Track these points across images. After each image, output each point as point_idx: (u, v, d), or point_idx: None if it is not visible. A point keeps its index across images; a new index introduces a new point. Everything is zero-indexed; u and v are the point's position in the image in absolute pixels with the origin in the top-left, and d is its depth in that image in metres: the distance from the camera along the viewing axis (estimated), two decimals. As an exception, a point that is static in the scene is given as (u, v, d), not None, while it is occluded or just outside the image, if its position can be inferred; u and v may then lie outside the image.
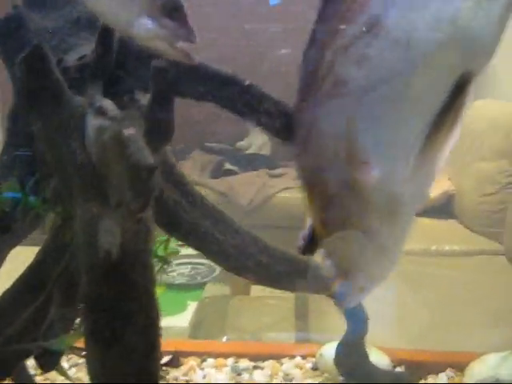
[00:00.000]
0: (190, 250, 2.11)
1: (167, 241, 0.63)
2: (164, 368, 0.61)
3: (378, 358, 0.84)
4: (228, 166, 3.00)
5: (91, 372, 0.52)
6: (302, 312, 2.01)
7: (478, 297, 1.66)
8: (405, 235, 0.40)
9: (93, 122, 0.49)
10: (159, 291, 0.51)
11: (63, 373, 0.60)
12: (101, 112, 0.50)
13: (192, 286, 1.98)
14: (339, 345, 0.81)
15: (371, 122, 0.35)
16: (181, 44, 0.46)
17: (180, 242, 0.68)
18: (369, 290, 0.42)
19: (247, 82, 0.51)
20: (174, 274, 1.96)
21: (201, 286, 2.01)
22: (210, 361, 0.88)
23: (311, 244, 0.42)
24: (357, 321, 0.79)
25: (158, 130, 0.53)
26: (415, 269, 1.77)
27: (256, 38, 3.09)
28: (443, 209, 2.40)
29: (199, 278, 2.04)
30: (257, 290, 2.58)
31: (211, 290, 2.06)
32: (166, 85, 0.53)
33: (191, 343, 0.98)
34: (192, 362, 0.87)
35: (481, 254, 2.05)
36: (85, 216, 0.50)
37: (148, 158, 0.41)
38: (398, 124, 0.35)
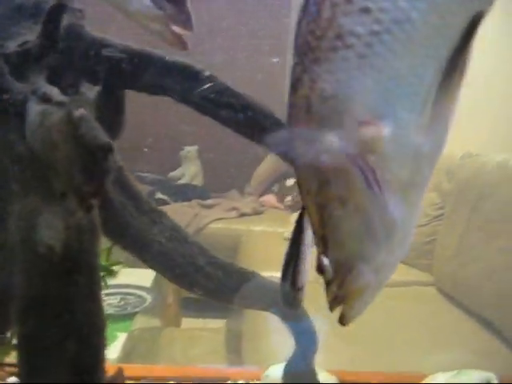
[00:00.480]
0: (119, 280, 2.03)
1: (110, 249, 0.58)
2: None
3: (326, 379, 0.81)
4: (159, 195, 2.94)
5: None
6: (234, 344, 1.97)
7: (412, 324, 1.67)
8: (418, 209, 0.36)
9: (36, 108, 0.45)
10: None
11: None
12: (45, 98, 0.46)
13: (121, 317, 1.90)
14: (287, 365, 0.77)
15: (378, 76, 0.32)
16: (176, 29, 0.45)
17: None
18: (377, 287, 0.37)
19: (207, 74, 0.48)
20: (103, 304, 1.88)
21: (130, 317, 1.93)
22: (149, 385, 0.83)
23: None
24: (306, 339, 0.76)
25: (107, 124, 0.49)
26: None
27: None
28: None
29: (129, 308, 1.96)
30: (187, 322, 2.52)
31: (141, 321, 1.99)
32: (116, 76, 0.50)
33: (127, 367, 0.91)
34: (129, 387, 0.82)
35: (413, 285, 2.09)
36: (23, 211, 0.45)
37: (103, 137, 0.37)
38: (408, 75, 0.33)
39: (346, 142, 0.33)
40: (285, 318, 0.75)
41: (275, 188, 3.13)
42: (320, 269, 0.37)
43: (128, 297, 2.03)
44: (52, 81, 0.51)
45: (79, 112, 0.39)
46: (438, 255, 2.08)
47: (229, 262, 0.68)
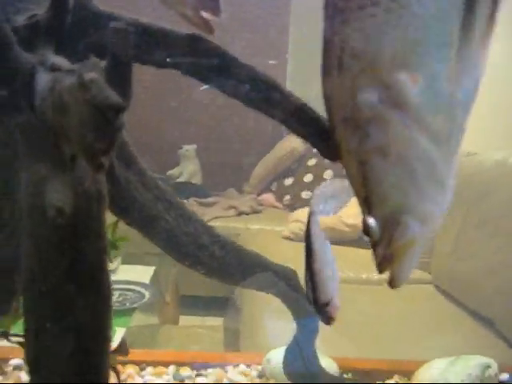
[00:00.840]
0: (118, 276, 2.03)
1: (115, 224, 0.59)
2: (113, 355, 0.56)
3: (326, 365, 0.81)
4: (158, 194, 2.94)
5: (29, 357, 0.46)
6: (232, 342, 1.97)
7: (410, 321, 1.68)
8: (456, 159, 0.36)
9: (46, 77, 0.45)
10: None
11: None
12: (54, 68, 0.46)
13: (120, 313, 1.90)
14: (288, 348, 0.78)
15: (405, 28, 0.33)
16: (205, 14, 0.46)
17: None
18: (423, 242, 0.37)
19: (214, 45, 0.49)
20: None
21: (129, 312, 1.93)
22: (149, 369, 0.83)
23: None
24: (307, 323, 0.77)
25: (115, 96, 0.50)
26: (346, 296, 1.78)
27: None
28: (372, 239, 2.45)
29: (128, 304, 1.97)
30: (185, 319, 2.52)
31: (139, 318, 1.99)
32: (124, 47, 0.50)
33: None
34: (130, 370, 0.82)
35: (410, 283, 2.09)
36: (32, 179, 0.45)
37: (114, 97, 0.37)
38: (434, 24, 0.33)
39: (381, 94, 0.34)
40: (286, 300, 0.76)
41: (273, 187, 3.14)
42: (366, 231, 0.37)
43: (127, 293, 2.03)
44: (60, 53, 0.51)
45: (90, 75, 0.39)
46: (436, 253, 2.08)
47: (232, 241, 0.69)
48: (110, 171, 0.54)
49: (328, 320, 0.63)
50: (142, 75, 2.74)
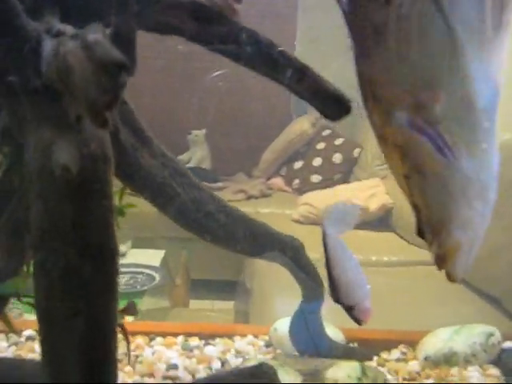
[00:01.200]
0: (129, 259, 2.04)
1: (122, 190, 0.60)
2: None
3: (333, 335, 0.83)
4: (168, 179, 2.95)
5: (38, 309, 0.48)
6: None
7: (417, 300, 1.69)
8: (490, 160, 0.39)
9: (51, 42, 0.46)
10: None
11: (7, 322, 0.55)
12: (59, 35, 0.48)
13: (131, 295, 1.92)
14: (294, 316, 0.79)
15: (419, 52, 0.36)
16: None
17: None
18: (471, 243, 0.40)
19: (216, 10, 0.50)
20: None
21: (140, 295, 1.96)
22: (159, 339, 0.85)
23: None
24: (312, 292, 0.78)
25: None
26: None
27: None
28: (382, 222, 2.46)
29: (138, 286, 1.99)
30: (195, 303, 2.54)
31: (150, 301, 2.01)
32: (127, 15, 0.51)
33: (137, 324, 0.94)
34: (139, 340, 0.83)
35: (416, 264, 2.10)
36: (38, 142, 0.47)
37: (117, 54, 0.38)
38: (442, 41, 0.36)
39: (410, 118, 0.36)
40: (291, 269, 0.77)
41: (283, 171, 3.15)
42: (419, 233, 0.40)
43: (137, 275, 2.05)
44: (65, 21, 0.52)
45: (93, 36, 0.41)
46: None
47: (239, 211, 0.70)
48: (115, 137, 0.56)
49: (358, 322, 0.66)
50: (152, 60, 2.75)
